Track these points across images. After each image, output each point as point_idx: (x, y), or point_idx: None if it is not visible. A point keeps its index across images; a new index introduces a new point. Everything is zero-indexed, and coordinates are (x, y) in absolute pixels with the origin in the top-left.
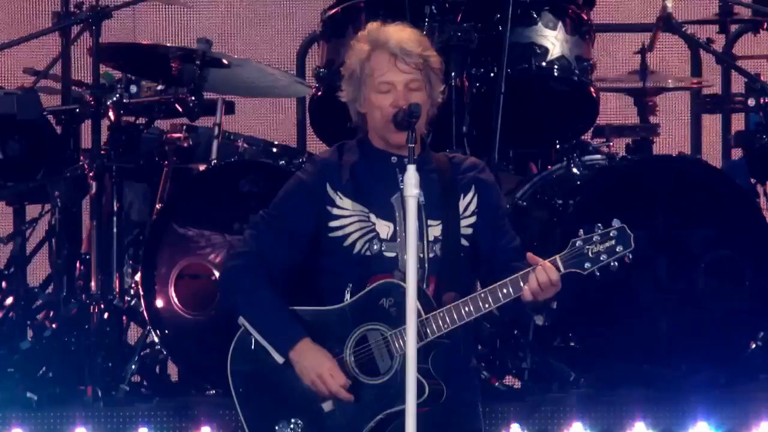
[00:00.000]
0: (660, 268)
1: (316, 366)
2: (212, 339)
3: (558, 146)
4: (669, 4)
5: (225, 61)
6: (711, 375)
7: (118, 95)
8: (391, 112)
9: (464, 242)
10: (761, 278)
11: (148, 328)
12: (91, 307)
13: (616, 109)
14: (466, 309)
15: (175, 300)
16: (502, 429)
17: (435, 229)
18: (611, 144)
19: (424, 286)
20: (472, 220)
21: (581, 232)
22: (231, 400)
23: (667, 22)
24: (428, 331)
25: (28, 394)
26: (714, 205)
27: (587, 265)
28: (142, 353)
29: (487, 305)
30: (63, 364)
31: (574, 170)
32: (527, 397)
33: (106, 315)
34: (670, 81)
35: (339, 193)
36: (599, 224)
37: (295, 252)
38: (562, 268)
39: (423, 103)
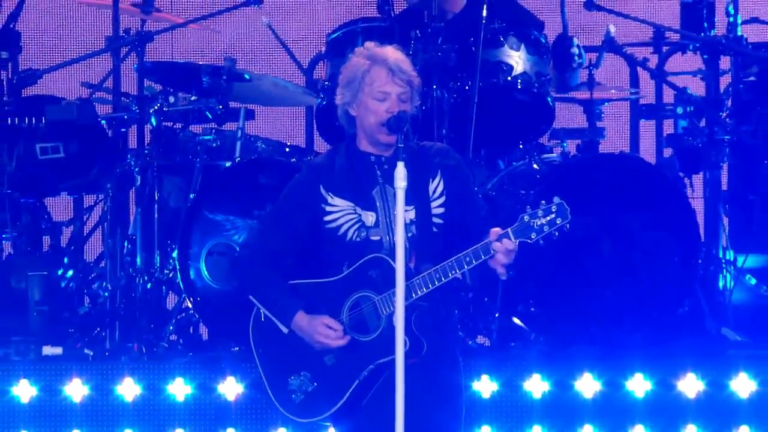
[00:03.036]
0: (605, 246)
1: (313, 329)
2: (236, 305)
3: (521, 146)
4: (612, 29)
5: (247, 76)
6: (646, 335)
7: (158, 105)
8: (385, 117)
9: (437, 220)
10: (688, 255)
11: (183, 296)
12: (137, 278)
13: (568, 116)
14: (437, 275)
15: (205, 273)
16: (474, 380)
17: (410, 213)
18: (565, 144)
19: (409, 259)
20: (441, 200)
21: (528, 208)
22: (251, 356)
23: (610, 44)
24: (408, 296)
25: (86, 350)
26: (649, 195)
27: (533, 234)
28: (178, 317)
29: (453, 272)
30: (114, 326)
31: (534, 166)
32: (495, 354)
33: (148, 285)
34: (613, 92)
35: (330, 192)
36: (543, 201)
37: (293, 241)
38: (512, 237)
39: (408, 108)
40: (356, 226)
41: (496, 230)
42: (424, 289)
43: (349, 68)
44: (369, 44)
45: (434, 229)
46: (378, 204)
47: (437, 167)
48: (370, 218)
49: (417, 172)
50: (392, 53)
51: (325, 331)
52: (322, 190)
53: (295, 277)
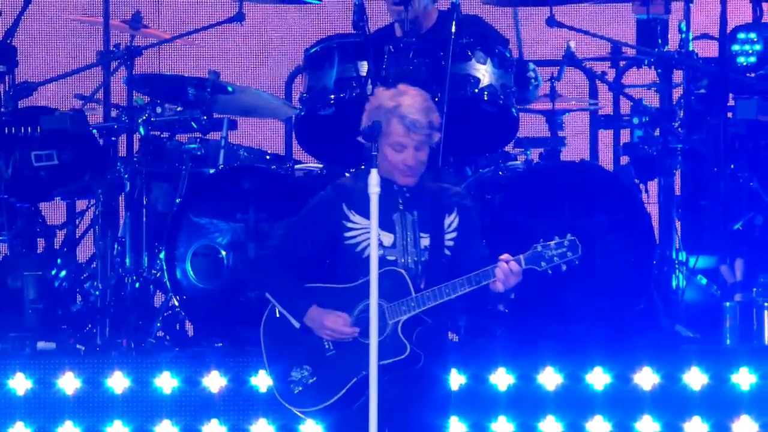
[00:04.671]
0: None
1: (323, 322)
2: (219, 303)
3: (487, 154)
4: (572, 45)
5: (230, 89)
6: (605, 331)
7: (147, 115)
8: (401, 167)
9: (447, 252)
10: (643, 256)
11: (169, 294)
12: (126, 278)
13: (531, 126)
14: (446, 290)
15: (191, 273)
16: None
17: (425, 240)
18: (528, 152)
19: (420, 281)
20: (453, 235)
21: (542, 240)
22: (235, 350)
23: (570, 59)
24: (415, 306)
25: (78, 346)
26: (607, 200)
27: (543, 263)
28: (165, 314)
29: (462, 289)
30: (104, 323)
31: (500, 173)
32: (463, 348)
33: (137, 285)
34: (573, 103)
35: (352, 210)
36: (557, 236)
37: (312, 251)
38: (523, 264)
39: (424, 155)
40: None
41: (505, 256)
42: (432, 302)
43: (370, 113)
44: (389, 93)
45: (444, 259)
46: (397, 227)
47: (455, 205)
48: (387, 239)
49: (437, 206)
50: (410, 104)
51: (335, 319)
52: (345, 208)
53: (310, 283)
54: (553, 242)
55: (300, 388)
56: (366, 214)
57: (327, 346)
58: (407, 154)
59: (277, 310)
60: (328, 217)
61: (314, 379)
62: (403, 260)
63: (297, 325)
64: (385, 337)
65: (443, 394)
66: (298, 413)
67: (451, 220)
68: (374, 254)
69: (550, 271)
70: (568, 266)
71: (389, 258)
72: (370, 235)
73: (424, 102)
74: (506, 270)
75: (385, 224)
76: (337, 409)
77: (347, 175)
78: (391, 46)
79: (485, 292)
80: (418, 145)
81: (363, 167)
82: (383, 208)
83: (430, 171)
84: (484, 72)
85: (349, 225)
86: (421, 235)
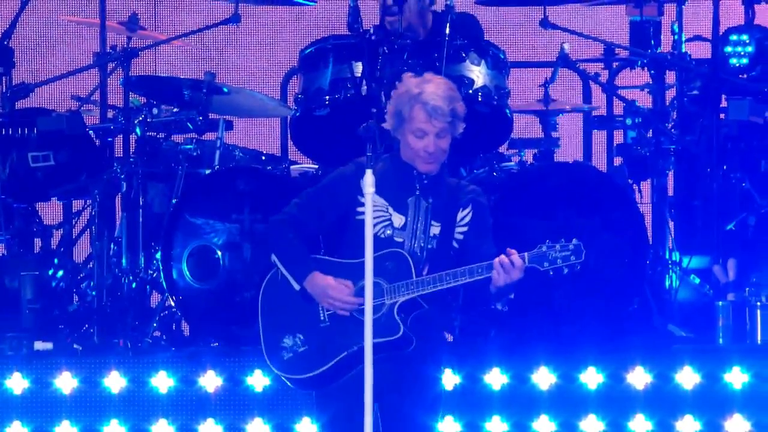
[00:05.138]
0: None
1: (326, 289)
2: (215, 303)
3: (481, 155)
4: (566, 47)
5: (225, 90)
6: (598, 331)
7: (143, 116)
8: (422, 154)
9: (455, 244)
10: (636, 256)
11: (166, 295)
12: (122, 278)
13: (526, 127)
14: (446, 277)
15: (187, 273)
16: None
17: (435, 228)
18: (522, 153)
19: (423, 267)
20: (464, 229)
21: (547, 241)
22: (231, 350)
23: (564, 60)
24: (414, 288)
25: (75, 345)
26: (600, 200)
27: (545, 264)
28: (161, 314)
29: (463, 278)
30: (101, 323)
31: (494, 173)
32: (457, 348)
33: (133, 285)
34: (567, 105)
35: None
36: (563, 239)
37: (322, 223)
38: (526, 261)
39: (446, 143)
40: (385, 224)
41: (511, 251)
42: (430, 288)
43: (396, 99)
44: (414, 80)
45: (451, 251)
46: (410, 211)
47: (470, 201)
48: (399, 221)
49: (453, 198)
50: (433, 91)
51: (339, 287)
52: (362, 184)
53: (317, 255)
54: (559, 245)
55: (290, 355)
56: (381, 193)
57: (322, 318)
58: (428, 140)
59: (279, 273)
60: (345, 191)
61: (305, 348)
62: (410, 244)
63: (297, 287)
64: (380, 316)
65: (434, 381)
66: (285, 380)
67: (464, 215)
68: (369, 252)
69: (551, 272)
70: (567, 268)
71: (397, 239)
72: (392, 218)
73: (448, 90)
74: (506, 263)
75: (400, 206)
76: (323, 381)
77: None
78: (385, 48)
79: (485, 289)
80: (439, 132)
81: (385, 156)
82: (400, 190)
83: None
84: (478, 73)
85: (364, 201)
86: (432, 223)
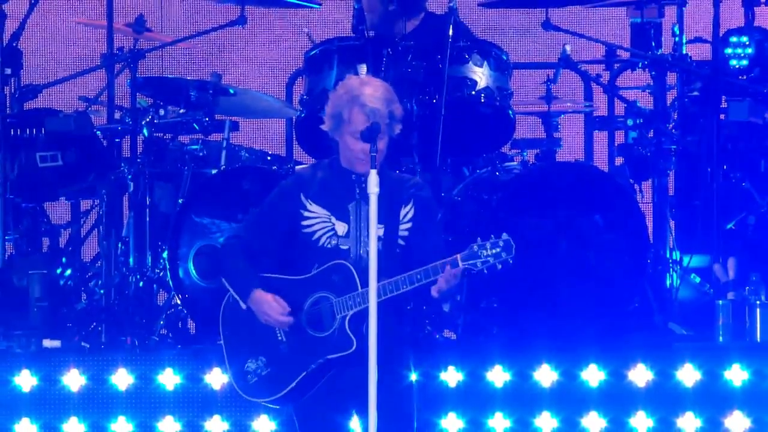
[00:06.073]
0: (562, 247)
1: (262, 305)
2: (221, 302)
3: (484, 155)
4: (568, 48)
5: (231, 91)
6: (600, 329)
7: (150, 117)
8: (360, 155)
9: (401, 242)
10: (637, 255)
11: (172, 293)
12: (130, 277)
13: (528, 127)
14: (390, 287)
15: (193, 272)
16: (441, 370)
17: (379, 231)
18: (525, 153)
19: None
20: (408, 225)
21: (479, 239)
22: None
23: (566, 61)
24: (361, 301)
25: (83, 343)
26: (602, 200)
27: (479, 263)
28: (168, 312)
29: (405, 286)
30: (108, 321)
31: (497, 173)
32: (460, 346)
33: (141, 283)
34: (569, 105)
35: (309, 200)
36: (492, 235)
37: (271, 240)
38: (460, 264)
39: (383, 144)
40: (329, 234)
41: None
42: (382, 296)
43: (333, 102)
44: (351, 81)
45: (397, 249)
46: (352, 217)
47: (411, 197)
48: (342, 228)
49: (393, 197)
50: (369, 94)
51: (272, 305)
52: (303, 198)
53: (269, 273)
54: (489, 242)
55: (255, 379)
56: (322, 203)
57: (279, 337)
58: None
59: (231, 298)
60: (286, 206)
61: (268, 370)
62: (355, 251)
63: (243, 306)
64: (332, 332)
65: (399, 379)
66: (254, 401)
67: (407, 211)
68: (373, 254)
69: (486, 271)
70: (565, 265)
71: (342, 248)
72: (336, 227)
73: (385, 92)
74: (447, 272)
75: (341, 214)
76: (290, 399)
77: (306, 167)
78: (389, 49)
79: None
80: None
81: (324, 161)
82: (341, 197)
83: (428, 171)
84: (481, 74)
85: (306, 214)
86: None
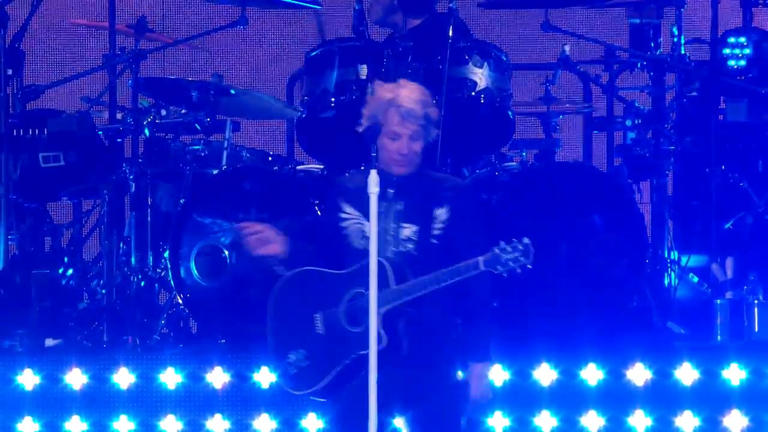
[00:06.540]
0: (561, 247)
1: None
2: (222, 301)
3: (484, 156)
4: (567, 49)
5: (232, 91)
6: (599, 328)
7: (151, 117)
8: (396, 156)
9: (434, 240)
10: (636, 255)
11: (174, 293)
12: (131, 277)
13: (527, 128)
14: (426, 282)
15: (195, 272)
16: None
17: (407, 230)
18: (524, 154)
19: (405, 272)
20: (441, 226)
21: (501, 243)
22: (237, 347)
23: (565, 62)
24: (393, 298)
25: (85, 342)
26: (601, 200)
27: (499, 267)
28: (169, 312)
29: (443, 281)
30: (110, 320)
31: (496, 173)
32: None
33: (142, 283)
34: (567, 106)
35: (345, 202)
36: (514, 239)
37: (317, 244)
38: (481, 266)
39: (419, 146)
40: (360, 235)
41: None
42: (408, 297)
43: (371, 104)
44: (389, 86)
45: (430, 250)
46: (381, 218)
47: (448, 198)
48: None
49: (426, 197)
50: (407, 95)
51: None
52: (339, 201)
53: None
54: (510, 246)
55: (295, 371)
56: (357, 206)
57: (319, 330)
58: (401, 143)
59: (277, 288)
60: (327, 210)
61: (308, 363)
62: (383, 250)
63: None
64: (365, 328)
65: (446, 377)
66: (295, 394)
67: (441, 212)
68: (373, 257)
69: (505, 274)
70: (564, 265)
71: (371, 248)
72: (365, 227)
73: (421, 95)
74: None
75: (369, 214)
76: (327, 392)
77: (346, 175)
78: (389, 50)
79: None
80: (412, 134)
81: (363, 168)
82: (369, 198)
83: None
84: (480, 75)
85: (343, 215)
86: (404, 225)
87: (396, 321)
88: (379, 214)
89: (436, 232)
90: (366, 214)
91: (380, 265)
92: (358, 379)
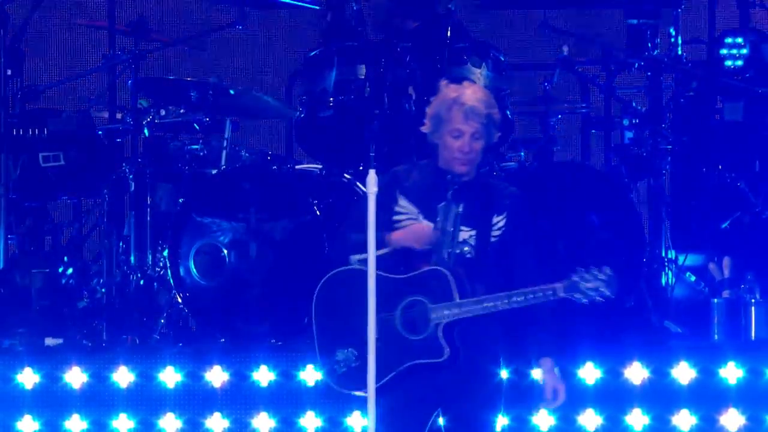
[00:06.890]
0: (559, 246)
1: (408, 233)
2: (221, 300)
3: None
4: (565, 49)
5: (231, 91)
6: (596, 327)
7: (151, 117)
8: (457, 154)
9: (490, 248)
10: (633, 254)
11: (173, 292)
12: (131, 276)
13: (525, 127)
14: (486, 304)
15: (194, 271)
16: None
17: (465, 234)
18: (522, 153)
19: (461, 277)
20: (498, 233)
21: (581, 270)
22: (236, 346)
23: (563, 62)
24: (459, 312)
25: (84, 341)
26: (598, 199)
27: (578, 296)
28: (168, 311)
29: (502, 306)
30: (110, 319)
31: (494, 173)
32: None
33: (141, 282)
34: (566, 106)
35: (402, 195)
36: (596, 267)
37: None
38: (560, 294)
39: (480, 146)
40: None
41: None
42: (471, 314)
43: (435, 103)
44: (454, 86)
45: (489, 255)
46: (439, 218)
47: (506, 206)
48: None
49: (487, 202)
50: (470, 96)
51: (413, 228)
52: (397, 193)
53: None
54: (590, 274)
55: (344, 369)
56: (413, 200)
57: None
58: (463, 141)
59: (326, 286)
60: (382, 199)
61: (358, 363)
62: (441, 252)
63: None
64: (425, 337)
65: (491, 377)
66: (343, 392)
67: (499, 220)
68: (372, 256)
69: (585, 301)
70: (562, 264)
71: (425, 247)
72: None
73: (485, 96)
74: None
75: (429, 213)
76: (377, 395)
77: (401, 167)
78: (388, 50)
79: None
80: (474, 133)
81: (418, 161)
82: (431, 197)
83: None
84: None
85: (397, 209)
86: (463, 228)
87: (453, 330)
88: (438, 214)
89: (492, 238)
90: (423, 212)
91: (442, 275)
92: (409, 383)
